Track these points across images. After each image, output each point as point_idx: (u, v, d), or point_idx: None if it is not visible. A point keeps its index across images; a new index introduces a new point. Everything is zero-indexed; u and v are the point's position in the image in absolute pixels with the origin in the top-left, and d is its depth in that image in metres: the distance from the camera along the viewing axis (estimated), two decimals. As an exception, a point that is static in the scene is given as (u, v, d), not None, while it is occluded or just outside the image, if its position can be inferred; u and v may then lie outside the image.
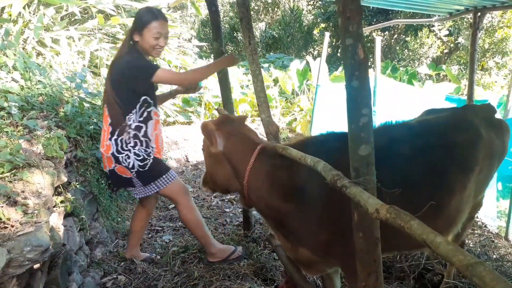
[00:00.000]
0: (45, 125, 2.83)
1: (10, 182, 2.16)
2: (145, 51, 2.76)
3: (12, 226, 1.86)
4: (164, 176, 2.88)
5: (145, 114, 2.80)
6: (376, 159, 1.43)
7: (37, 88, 3.22)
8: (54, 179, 2.45)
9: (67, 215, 2.75)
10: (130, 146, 2.76)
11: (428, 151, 2.08)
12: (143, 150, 2.78)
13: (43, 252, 1.83)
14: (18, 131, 2.61)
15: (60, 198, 2.65)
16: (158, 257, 3.32)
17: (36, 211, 2.04)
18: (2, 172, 2.16)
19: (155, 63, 2.95)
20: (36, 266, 2.00)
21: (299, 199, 1.96)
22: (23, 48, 4.17)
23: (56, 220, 2.48)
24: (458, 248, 0.96)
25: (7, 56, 3.14)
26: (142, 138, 2.79)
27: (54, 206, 2.51)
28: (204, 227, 3.07)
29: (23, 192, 2.14)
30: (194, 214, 3.02)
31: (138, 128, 2.78)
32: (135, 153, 2.76)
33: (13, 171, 2.22)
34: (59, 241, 2.23)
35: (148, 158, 2.80)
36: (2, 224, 1.86)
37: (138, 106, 2.76)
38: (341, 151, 1.56)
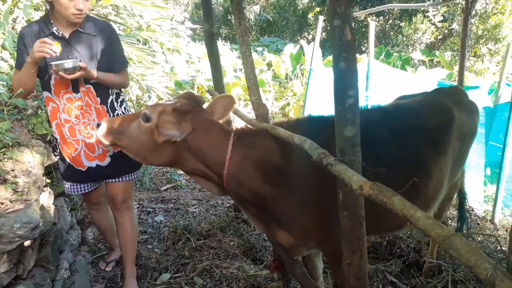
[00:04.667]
0: (35, 105, 2.81)
1: (0, 160, 2.16)
2: (62, 17, 2.27)
3: (2, 204, 1.87)
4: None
5: None
6: None
7: (27, 68, 3.18)
8: (44, 159, 2.45)
9: (58, 195, 2.77)
10: None
11: (405, 134, 2.11)
12: None
13: (33, 229, 1.85)
14: (8, 111, 2.60)
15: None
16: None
17: (26, 189, 2.05)
18: (-8, 151, 2.16)
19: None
20: (27, 243, 2.03)
21: (283, 180, 1.92)
22: (12, 28, 4.09)
23: (47, 199, 2.49)
24: (436, 222, 1.00)
25: (-5, 35, 3.10)
26: None
27: (44, 186, 2.51)
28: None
29: (13, 170, 2.14)
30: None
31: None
32: None
33: (2, 150, 2.21)
34: (49, 219, 2.25)
35: None
36: (-8, 201, 1.87)
37: None
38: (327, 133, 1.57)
